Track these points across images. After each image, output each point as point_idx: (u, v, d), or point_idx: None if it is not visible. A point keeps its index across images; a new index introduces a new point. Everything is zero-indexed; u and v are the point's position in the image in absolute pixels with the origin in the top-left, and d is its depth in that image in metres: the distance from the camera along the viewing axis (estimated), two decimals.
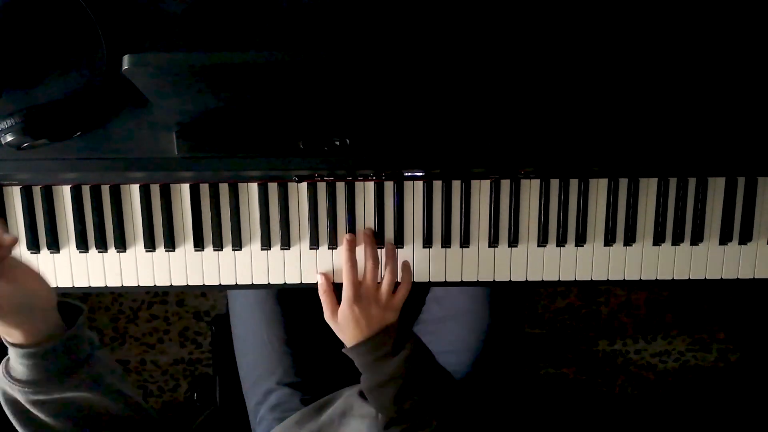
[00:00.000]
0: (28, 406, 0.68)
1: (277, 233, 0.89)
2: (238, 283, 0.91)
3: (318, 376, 1.02)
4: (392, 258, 0.88)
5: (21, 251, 0.88)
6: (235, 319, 1.07)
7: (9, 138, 0.73)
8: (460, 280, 0.91)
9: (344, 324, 0.85)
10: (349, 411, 0.90)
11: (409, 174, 0.87)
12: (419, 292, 1.11)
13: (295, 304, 1.04)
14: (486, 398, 1.03)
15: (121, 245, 0.88)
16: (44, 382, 0.67)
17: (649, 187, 0.89)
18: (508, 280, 0.91)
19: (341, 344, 0.88)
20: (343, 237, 0.87)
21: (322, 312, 0.88)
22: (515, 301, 1.06)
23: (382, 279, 0.87)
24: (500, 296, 1.03)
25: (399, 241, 0.89)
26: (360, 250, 0.88)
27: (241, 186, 0.88)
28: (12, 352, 0.67)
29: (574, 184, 0.89)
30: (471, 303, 1.02)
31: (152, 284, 0.90)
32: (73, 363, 0.69)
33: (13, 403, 0.69)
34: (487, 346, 1.02)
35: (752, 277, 0.91)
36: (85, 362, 0.69)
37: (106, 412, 0.72)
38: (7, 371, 0.68)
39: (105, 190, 0.87)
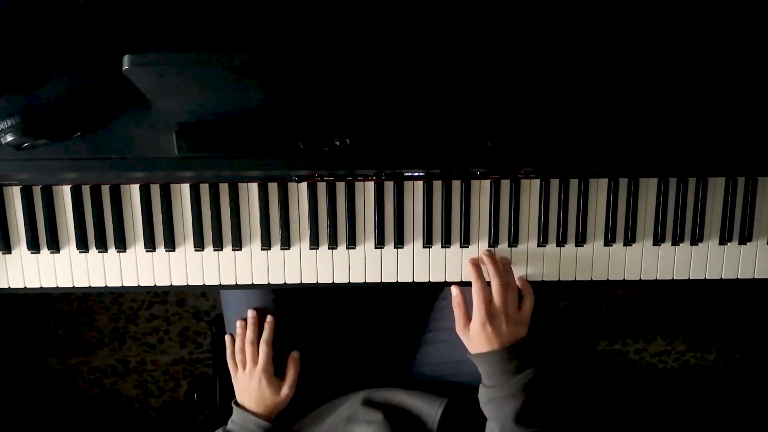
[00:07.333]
0: None
1: (277, 233, 0.89)
2: (238, 283, 0.91)
3: (312, 382, 1.02)
4: (509, 272, 0.89)
5: (21, 251, 0.88)
6: (230, 327, 1.07)
7: (9, 138, 0.73)
8: (460, 280, 0.91)
9: (476, 340, 0.87)
10: (354, 417, 0.90)
11: (409, 174, 0.87)
12: (426, 298, 1.11)
13: (287, 310, 1.04)
14: None
15: (121, 245, 0.88)
16: None
17: (649, 187, 0.89)
18: None
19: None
20: (468, 261, 0.89)
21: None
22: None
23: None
24: None
25: (399, 241, 0.89)
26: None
27: (241, 186, 0.88)
28: (258, 425, 0.92)
29: (574, 184, 0.89)
30: None
31: (152, 284, 0.90)
32: None
33: None
34: None
35: (752, 277, 0.92)
36: None
37: None
38: None
39: (105, 190, 0.87)
